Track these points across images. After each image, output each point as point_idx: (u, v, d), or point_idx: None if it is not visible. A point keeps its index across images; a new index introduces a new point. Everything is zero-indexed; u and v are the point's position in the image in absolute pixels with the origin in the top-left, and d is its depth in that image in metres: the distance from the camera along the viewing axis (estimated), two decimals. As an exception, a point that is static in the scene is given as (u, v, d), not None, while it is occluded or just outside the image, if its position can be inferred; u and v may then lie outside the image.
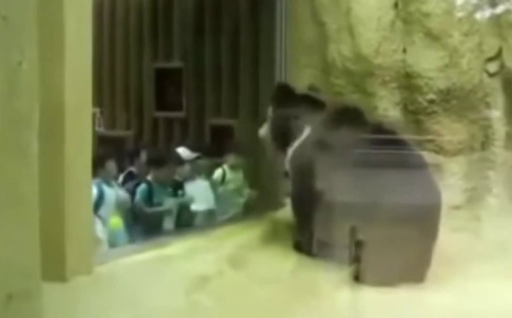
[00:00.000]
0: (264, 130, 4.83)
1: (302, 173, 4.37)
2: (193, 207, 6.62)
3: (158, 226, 6.18)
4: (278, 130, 4.68)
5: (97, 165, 5.58)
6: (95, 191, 5.53)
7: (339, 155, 4.13)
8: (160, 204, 6.32)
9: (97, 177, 5.65)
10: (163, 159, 6.64)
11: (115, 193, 5.97)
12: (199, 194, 6.74)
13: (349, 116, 4.34)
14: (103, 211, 5.56)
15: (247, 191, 7.01)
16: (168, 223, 6.33)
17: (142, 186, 6.32)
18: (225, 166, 7.09)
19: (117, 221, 5.84)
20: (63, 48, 3.34)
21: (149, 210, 6.25)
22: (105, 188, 5.79)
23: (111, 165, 6.10)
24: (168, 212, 6.33)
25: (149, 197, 6.30)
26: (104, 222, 5.57)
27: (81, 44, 3.47)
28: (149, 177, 6.41)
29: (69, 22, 3.35)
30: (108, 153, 6.29)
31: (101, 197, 5.67)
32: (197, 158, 6.95)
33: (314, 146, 4.37)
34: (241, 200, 6.98)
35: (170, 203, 6.37)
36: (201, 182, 6.91)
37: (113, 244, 5.50)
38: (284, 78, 6.20)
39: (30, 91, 2.20)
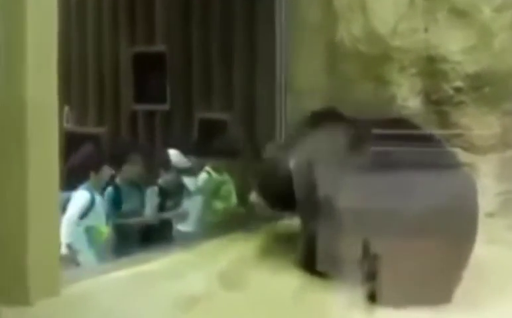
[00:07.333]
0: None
1: (306, 180, 4.37)
2: (181, 226, 6.56)
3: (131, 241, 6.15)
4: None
5: (90, 169, 5.70)
6: (87, 196, 5.69)
7: (350, 156, 4.13)
8: (134, 211, 6.27)
9: (88, 182, 5.77)
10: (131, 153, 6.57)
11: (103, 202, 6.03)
12: (193, 211, 6.66)
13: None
14: (90, 219, 5.62)
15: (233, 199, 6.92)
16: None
17: (108, 190, 6.23)
18: (209, 169, 6.98)
19: (104, 232, 5.85)
20: (24, 33, 3.34)
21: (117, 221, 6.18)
22: (96, 196, 5.84)
23: (106, 172, 6.11)
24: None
25: (117, 203, 6.20)
26: (90, 230, 5.62)
27: (45, 25, 3.47)
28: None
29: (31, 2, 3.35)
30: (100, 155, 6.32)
31: (92, 203, 5.74)
32: (190, 168, 6.88)
33: (321, 149, 4.38)
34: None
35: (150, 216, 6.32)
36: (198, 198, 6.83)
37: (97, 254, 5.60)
38: (284, 64, 6.20)
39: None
